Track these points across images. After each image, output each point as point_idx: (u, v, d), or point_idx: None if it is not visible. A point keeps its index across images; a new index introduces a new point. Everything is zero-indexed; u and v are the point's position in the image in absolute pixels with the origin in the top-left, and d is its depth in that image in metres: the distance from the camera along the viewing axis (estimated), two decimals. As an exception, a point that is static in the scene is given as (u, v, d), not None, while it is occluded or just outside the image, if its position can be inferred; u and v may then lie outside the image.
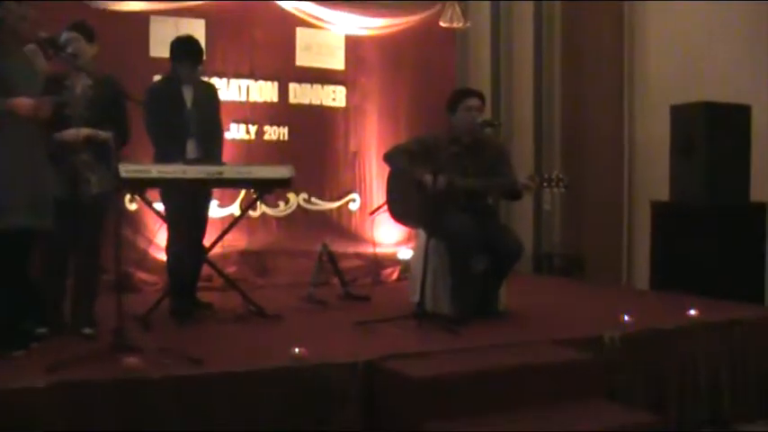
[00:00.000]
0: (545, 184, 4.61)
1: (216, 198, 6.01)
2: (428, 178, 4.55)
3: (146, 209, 5.24)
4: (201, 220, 5.00)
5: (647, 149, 6.58)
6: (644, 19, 6.62)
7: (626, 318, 4.46)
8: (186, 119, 4.81)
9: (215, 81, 5.81)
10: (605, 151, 6.90)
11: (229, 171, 4.63)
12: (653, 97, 6.51)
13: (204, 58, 4.99)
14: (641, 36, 6.67)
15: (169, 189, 4.76)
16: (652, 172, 6.38)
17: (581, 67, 7.19)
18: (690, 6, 6.16)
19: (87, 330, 4.13)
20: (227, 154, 5.31)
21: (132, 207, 6.06)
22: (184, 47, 4.82)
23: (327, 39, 6.92)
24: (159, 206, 4.95)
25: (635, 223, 6.68)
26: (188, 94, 4.87)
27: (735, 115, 5.66)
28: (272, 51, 6.67)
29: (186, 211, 4.80)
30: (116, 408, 3.16)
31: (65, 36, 4.12)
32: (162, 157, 4.73)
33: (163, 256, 5.19)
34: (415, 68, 7.22)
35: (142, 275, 5.88)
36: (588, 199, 6.95)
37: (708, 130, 5.56)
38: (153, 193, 4.95)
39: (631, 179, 6.74)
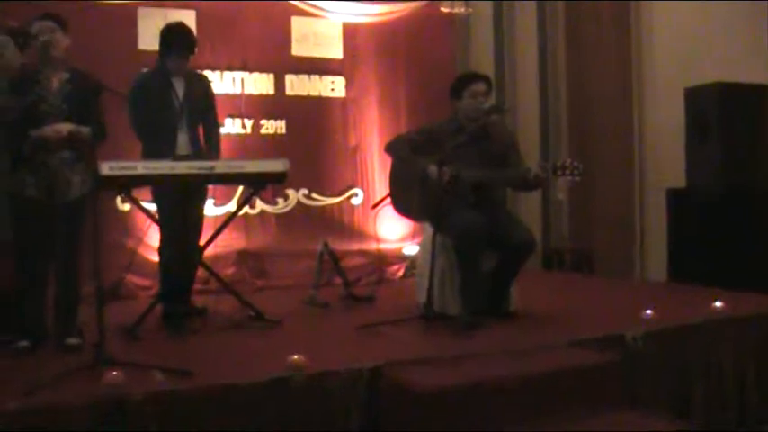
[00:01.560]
0: (558, 172, 4.40)
1: (212, 196, 5.88)
2: (433, 169, 4.42)
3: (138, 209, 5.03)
4: (196, 219, 4.81)
5: (658, 135, 6.58)
6: (651, 7, 6.57)
7: (647, 313, 4.25)
8: (177, 112, 4.63)
9: (207, 74, 5.61)
10: (615, 138, 6.86)
11: (221, 166, 4.44)
12: (664, 80, 6.54)
13: (196, 48, 4.77)
14: (648, 18, 6.61)
15: (159, 187, 4.59)
16: (665, 158, 6.37)
17: (587, 52, 7.18)
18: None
19: (72, 341, 3.93)
20: (222, 149, 5.08)
21: (125, 208, 5.91)
22: (175, 35, 4.63)
23: (324, 28, 6.80)
24: (153, 206, 4.81)
25: (648, 213, 6.64)
26: (179, 86, 4.67)
27: (751, 96, 5.47)
28: (267, 42, 6.56)
29: (179, 211, 4.60)
30: None
31: (37, 26, 3.91)
32: (150, 154, 4.57)
33: (156, 258, 5.06)
34: (416, 56, 7.09)
35: (135, 279, 5.73)
36: (598, 189, 6.90)
37: (724, 111, 5.43)
38: (145, 193, 4.82)
39: (643, 167, 6.71)
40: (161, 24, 4.79)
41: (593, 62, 7.00)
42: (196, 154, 4.63)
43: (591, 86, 7.04)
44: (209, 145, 4.81)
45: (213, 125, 4.90)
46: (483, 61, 7.36)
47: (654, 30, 6.45)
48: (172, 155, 4.50)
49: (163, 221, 4.69)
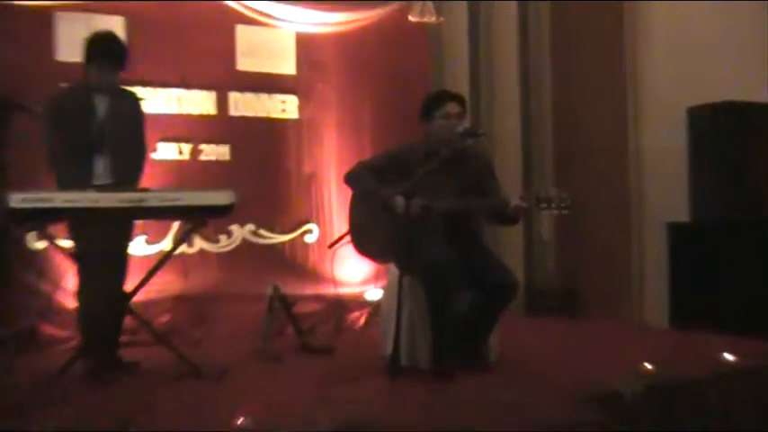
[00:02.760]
0: (542, 204, 4.44)
1: (143, 233, 5.93)
2: (399, 201, 4.45)
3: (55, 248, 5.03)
4: (120, 259, 4.79)
5: (657, 161, 6.58)
6: (647, 15, 6.62)
7: (647, 365, 4.26)
8: (96, 134, 4.60)
9: (138, 91, 5.55)
10: (607, 165, 6.88)
11: (153, 198, 4.41)
12: (663, 99, 6.50)
13: (125, 61, 4.76)
14: (644, 33, 6.66)
15: (77, 222, 4.54)
16: (665, 187, 6.37)
17: (575, 68, 7.19)
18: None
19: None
20: (153, 178, 5.13)
21: (39, 246, 5.82)
22: (99, 44, 4.62)
23: (275, 38, 6.88)
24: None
25: (646, 249, 6.65)
26: (101, 103, 4.67)
27: (763, 117, 5.50)
28: (208, 54, 6.59)
29: (100, 249, 4.58)
30: None
31: None
32: (64, 183, 4.52)
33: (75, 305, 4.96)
34: (382, 72, 7.18)
35: (51, 330, 5.66)
36: (588, 223, 6.91)
37: (732, 134, 5.47)
38: (62, 229, 4.79)
39: (639, 197, 6.71)
40: (84, 32, 4.76)
41: (583, 78, 7.07)
42: (118, 183, 4.60)
43: (580, 106, 7.09)
44: (130, 172, 4.78)
45: (139, 149, 4.89)
46: (459, 77, 7.44)
47: (652, 40, 6.52)
48: (89, 183, 4.48)
49: (81, 262, 4.64)
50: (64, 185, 4.49)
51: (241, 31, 6.69)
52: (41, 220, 4.22)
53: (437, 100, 4.75)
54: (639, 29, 6.62)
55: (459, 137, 4.64)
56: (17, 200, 3.91)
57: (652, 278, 6.48)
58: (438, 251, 4.40)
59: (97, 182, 4.55)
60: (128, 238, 4.85)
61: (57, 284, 5.43)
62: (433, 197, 4.50)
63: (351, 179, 4.84)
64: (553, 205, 4.41)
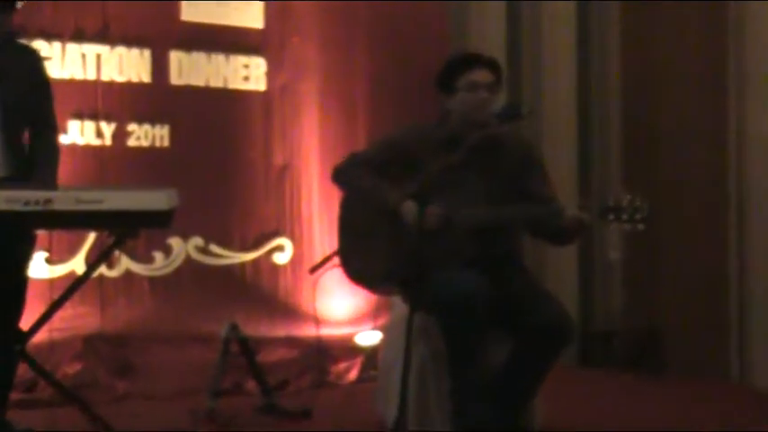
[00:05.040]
0: (609, 216, 4.46)
1: (45, 248, 5.91)
2: (410, 207, 4.43)
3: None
4: (16, 284, 4.74)
5: (765, 153, 6.61)
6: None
7: None
8: None
9: (40, 45, 5.60)
10: (698, 161, 6.95)
11: (63, 199, 4.33)
12: None
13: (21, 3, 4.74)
14: None
15: None
16: None
17: (653, 25, 7.27)
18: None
19: None
20: (61, 170, 5.08)
21: None
22: None
23: None
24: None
25: (752, 279, 6.65)
26: None
27: None
28: None
29: None
30: None
31: None
32: None
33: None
34: (383, 26, 7.25)
35: None
36: (672, 241, 6.99)
37: None
38: None
39: (743, 205, 6.71)
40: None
41: (663, 42, 7.16)
42: (15, 176, 4.59)
43: (659, 78, 7.16)
44: (40, 162, 4.77)
45: (46, 128, 4.87)
46: (490, 39, 7.43)
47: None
48: None
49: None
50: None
51: (187, -31, 6.80)
52: None
53: (460, 65, 4.75)
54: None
55: (495, 118, 4.61)
56: None
57: (761, 318, 6.49)
58: (463, 278, 4.40)
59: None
60: (25, 255, 4.81)
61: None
62: (456, 203, 4.50)
63: (341, 176, 4.86)
64: (624, 217, 4.41)
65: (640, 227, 4.44)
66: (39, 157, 4.78)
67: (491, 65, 4.74)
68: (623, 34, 7.57)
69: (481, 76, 4.66)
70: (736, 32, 6.71)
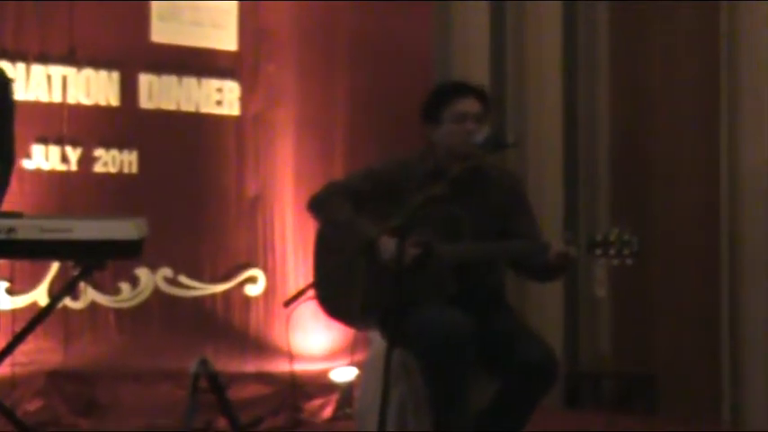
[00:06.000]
0: (597, 251, 4.46)
1: (6, 278, 6.00)
2: (388, 243, 4.38)
3: None
4: None
5: (758, 186, 6.66)
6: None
7: None
8: None
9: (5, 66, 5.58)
10: (689, 194, 7.01)
11: (28, 228, 4.29)
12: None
13: None
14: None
15: None
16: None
17: (644, 54, 7.37)
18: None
19: None
20: (24, 197, 5.03)
21: None
22: None
23: None
24: None
25: (745, 315, 6.71)
26: None
27: None
28: (109, 18, 6.62)
29: None
30: None
31: None
32: None
33: None
34: (365, 49, 7.30)
35: None
36: (662, 276, 7.04)
37: None
38: None
39: (735, 235, 6.77)
40: None
41: (655, 69, 7.26)
42: None
43: (649, 106, 7.26)
44: None
45: (4, 154, 4.80)
46: (473, 62, 7.52)
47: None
48: None
49: None
50: None
51: (158, -15, 6.81)
52: None
53: (447, 93, 4.74)
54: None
55: (479, 148, 4.58)
56: None
57: (754, 359, 6.52)
58: (443, 315, 4.38)
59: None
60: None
61: None
62: (437, 237, 4.48)
63: (317, 205, 4.82)
64: (612, 252, 4.41)
65: (629, 262, 4.44)
66: None
67: (479, 93, 4.73)
68: (612, 55, 7.65)
69: (468, 106, 4.65)
70: (728, 65, 6.79)
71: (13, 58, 6.22)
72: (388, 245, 4.37)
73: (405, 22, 7.31)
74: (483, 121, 4.68)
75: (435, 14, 7.53)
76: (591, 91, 7.69)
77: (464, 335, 4.34)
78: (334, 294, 4.80)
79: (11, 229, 4.20)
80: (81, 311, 6.41)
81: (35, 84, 6.36)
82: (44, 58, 6.40)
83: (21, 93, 5.88)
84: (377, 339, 4.63)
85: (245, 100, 6.96)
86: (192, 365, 5.51)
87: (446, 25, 7.64)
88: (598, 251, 4.41)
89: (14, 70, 6.15)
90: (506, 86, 7.71)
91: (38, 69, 6.39)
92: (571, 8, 7.70)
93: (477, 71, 7.23)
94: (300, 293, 5.27)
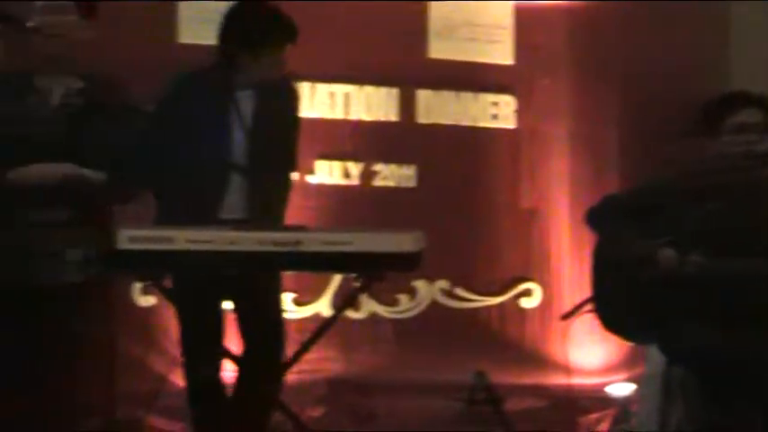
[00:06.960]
0: None
1: (289, 288, 6.07)
2: (669, 255, 4.37)
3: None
4: (272, 323, 4.82)
5: None
6: None
7: None
8: (233, 146, 4.64)
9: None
10: None
11: (313, 241, 4.38)
12: None
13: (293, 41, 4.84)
14: None
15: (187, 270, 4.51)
16: None
17: None
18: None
19: None
20: (305, 211, 5.31)
21: (147, 302, 6.11)
22: (265, 21, 4.70)
23: (483, 13, 6.98)
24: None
25: None
26: (246, 102, 4.71)
27: None
28: (387, 35, 6.70)
29: (216, 310, 4.72)
30: None
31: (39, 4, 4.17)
32: (172, 214, 4.58)
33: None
34: (640, 62, 7.11)
35: (161, 424, 5.81)
36: None
37: None
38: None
39: None
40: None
41: None
42: (251, 218, 4.61)
43: None
44: (271, 204, 4.79)
45: (286, 170, 4.93)
46: (753, 72, 7.24)
47: None
48: (213, 218, 4.54)
49: (187, 328, 4.70)
50: (171, 219, 4.53)
51: (435, 6, 6.85)
52: (158, 267, 4.28)
53: (725, 105, 4.69)
54: None
55: (759, 159, 4.55)
56: (125, 238, 3.94)
57: None
58: (738, 341, 4.29)
59: (226, 215, 4.61)
60: (277, 295, 4.92)
61: (174, 360, 5.37)
62: (716, 253, 4.40)
63: (597, 219, 4.83)
64: None
65: None
66: (275, 198, 4.83)
67: (763, 104, 4.66)
68: None
69: (750, 116, 4.59)
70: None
71: (297, 77, 6.10)
72: (668, 257, 4.37)
73: (692, 35, 7.15)
74: (765, 132, 4.61)
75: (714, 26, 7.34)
76: None
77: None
78: (612, 308, 4.76)
79: (297, 242, 4.30)
80: (361, 322, 6.60)
81: (319, 101, 6.59)
82: (326, 78, 6.59)
83: (306, 110, 5.94)
84: (655, 354, 4.61)
85: (520, 114, 6.99)
86: (468, 378, 5.66)
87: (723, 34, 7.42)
88: None
89: (301, 87, 6.05)
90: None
91: (322, 88, 6.60)
92: None
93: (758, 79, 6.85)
94: (579, 307, 5.29)
